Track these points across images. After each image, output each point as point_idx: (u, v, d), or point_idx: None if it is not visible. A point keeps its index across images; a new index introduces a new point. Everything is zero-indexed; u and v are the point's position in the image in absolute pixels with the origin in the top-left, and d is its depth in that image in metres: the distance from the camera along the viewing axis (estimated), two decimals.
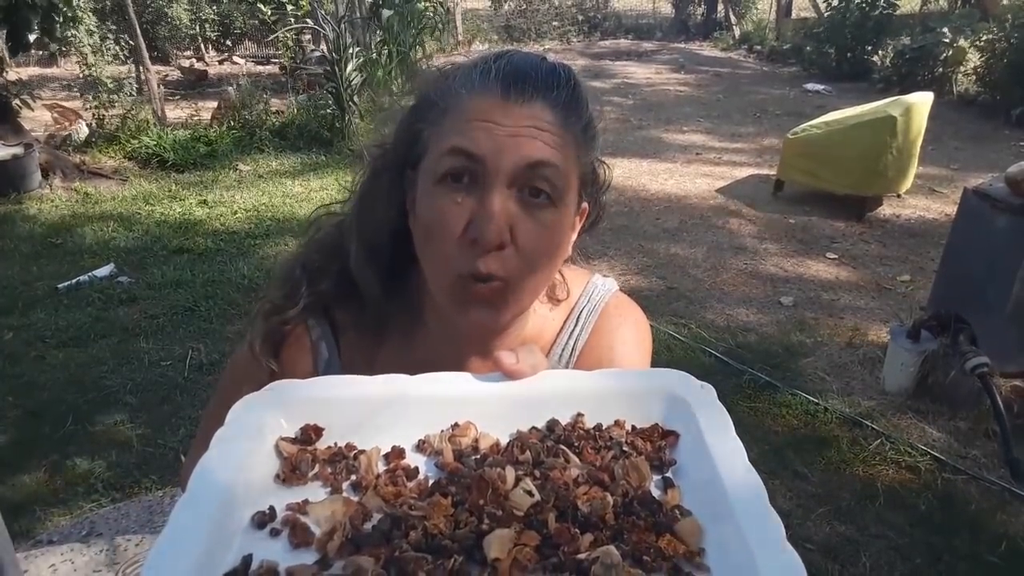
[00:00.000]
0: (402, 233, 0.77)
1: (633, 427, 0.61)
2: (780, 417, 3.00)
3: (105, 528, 2.01)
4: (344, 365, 0.82)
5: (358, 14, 7.35)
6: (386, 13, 6.95)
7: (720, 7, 14.18)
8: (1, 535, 1.40)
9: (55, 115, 6.48)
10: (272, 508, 0.51)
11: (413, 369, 0.64)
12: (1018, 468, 2.58)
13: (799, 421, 2.99)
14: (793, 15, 13.41)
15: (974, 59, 8.24)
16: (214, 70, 10.76)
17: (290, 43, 8.85)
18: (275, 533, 0.50)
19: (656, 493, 0.54)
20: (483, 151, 0.67)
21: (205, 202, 5.42)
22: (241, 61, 11.60)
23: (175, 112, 7.58)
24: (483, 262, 0.68)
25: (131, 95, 6.64)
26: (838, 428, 2.94)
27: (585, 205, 0.79)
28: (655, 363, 0.85)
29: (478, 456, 0.57)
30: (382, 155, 0.80)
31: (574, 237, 0.80)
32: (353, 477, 0.56)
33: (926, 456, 2.75)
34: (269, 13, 8.53)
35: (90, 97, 6.58)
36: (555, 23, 14.16)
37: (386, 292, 0.79)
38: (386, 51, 7.42)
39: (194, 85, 9.59)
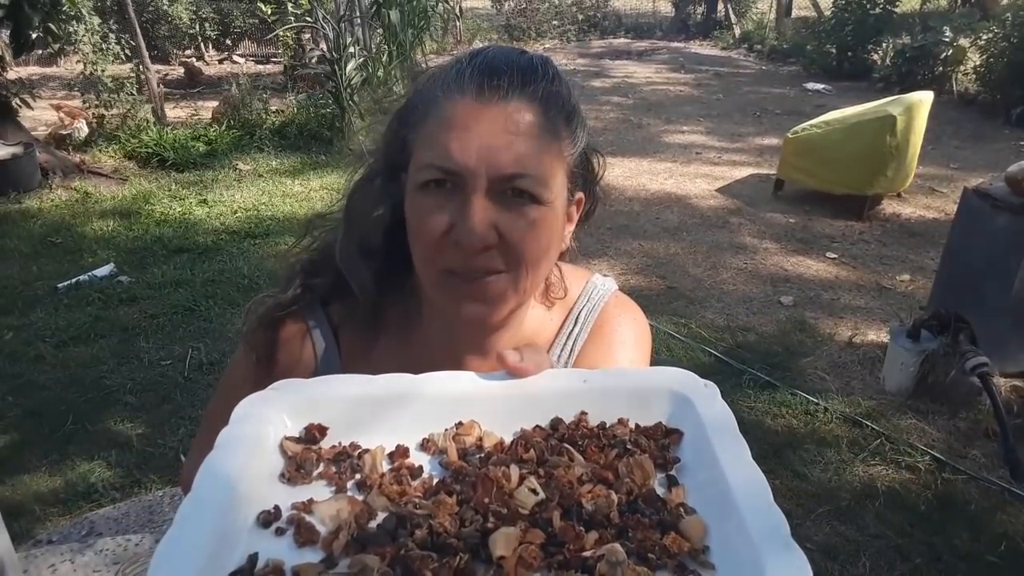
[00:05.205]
0: (397, 232, 0.77)
1: (637, 425, 0.61)
2: (780, 417, 3.01)
3: (105, 528, 2.01)
4: (344, 359, 0.83)
5: (358, 13, 7.35)
6: (393, 16, 6.95)
7: (720, 6, 14.17)
8: (1, 535, 1.40)
9: (61, 115, 6.48)
10: (277, 507, 0.52)
11: (410, 365, 0.64)
12: (1018, 468, 2.59)
13: (799, 421, 2.99)
14: (793, 14, 13.41)
15: (974, 58, 8.25)
16: (214, 69, 10.75)
17: (290, 42, 8.84)
18: (280, 532, 0.50)
19: (660, 491, 0.55)
20: (459, 166, 0.67)
21: (205, 201, 5.42)
22: (241, 60, 11.59)
23: (175, 111, 7.58)
24: (471, 260, 0.69)
25: (131, 94, 6.62)
26: (838, 428, 2.94)
27: (580, 195, 0.80)
28: (655, 363, 0.85)
29: (482, 455, 0.57)
30: (374, 159, 0.82)
31: (571, 229, 0.81)
32: (357, 476, 0.56)
33: (926, 456, 2.75)
34: (269, 12, 8.52)
35: (91, 96, 6.57)
36: (555, 22, 14.14)
37: (381, 288, 0.80)
38: (386, 50, 7.42)
39: (192, 84, 9.58)
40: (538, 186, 0.69)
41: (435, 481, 0.55)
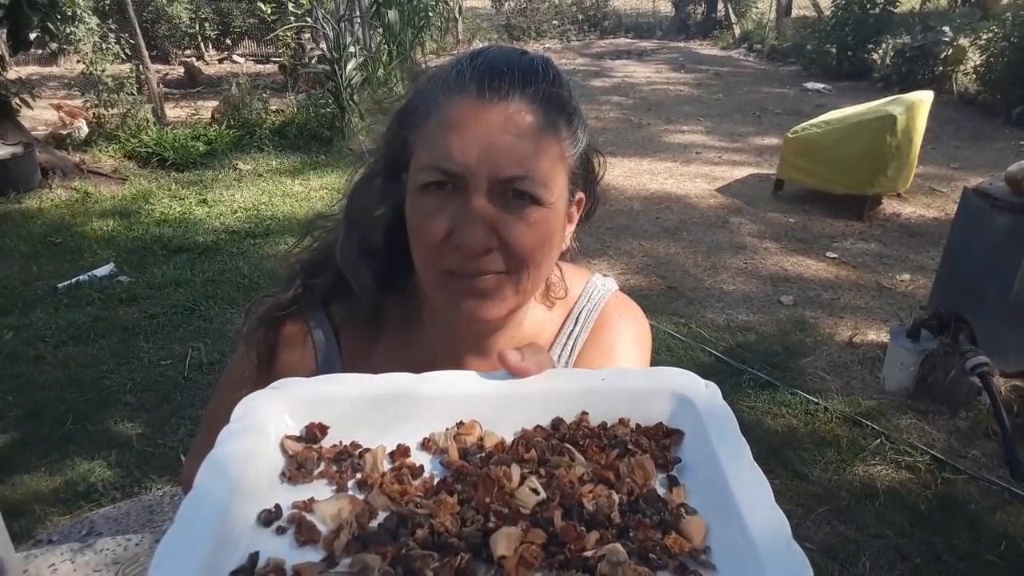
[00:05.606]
0: (398, 232, 0.77)
1: (638, 425, 0.61)
2: (780, 417, 3.01)
3: (105, 528, 2.01)
4: (344, 360, 0.83)
5: (358, 13, 7.35)
6: (393, 16, 6.95)
7: (720, 6, 14.16)
8: (1, 535, 1.40)
9: (61, 115, 6.47)
10: (278, 506, 0.51)
11: (411, 365, 0.64)
12: (1018, 468, 2.59)
13: (799, 421, 2.99)
14: (793, 14, 13.40)
15: (974, 58, 8.24)
16: (214, 69, 10.74)
17: (290, 42, 8.84)
18: (281, 531, 0.50)
19: (661, 491, 0.55)
20: (459, 167, 0.67)
21: (205, 201, 5.42)
22: (241, 60, 11.59)
23: (175, 111, 7.58)
24: (472, 263, 0.69)
25: (131, 94, 6.62)
26: (838, 428, 2.94)
27: (581, 195, 0.80)
28: (655, 363, 0.85)
29: (483, 454, 0.57)
30: (374, 159, 0.82)
31: (572, 229, 0.81)
32: (358, 475, 0.56)
33: (926, 456, 2.75)
34: (269, 12, 8.52)
35: (91, 96, 6.57)
36: (555, 22, 14.15)
37: (381, 287, 0.81)
38: (386, 50, 7.42)
39: (192, 84, 9.57)
40: (539, 187, 0.69)
41: (436, 481, 0.55)
